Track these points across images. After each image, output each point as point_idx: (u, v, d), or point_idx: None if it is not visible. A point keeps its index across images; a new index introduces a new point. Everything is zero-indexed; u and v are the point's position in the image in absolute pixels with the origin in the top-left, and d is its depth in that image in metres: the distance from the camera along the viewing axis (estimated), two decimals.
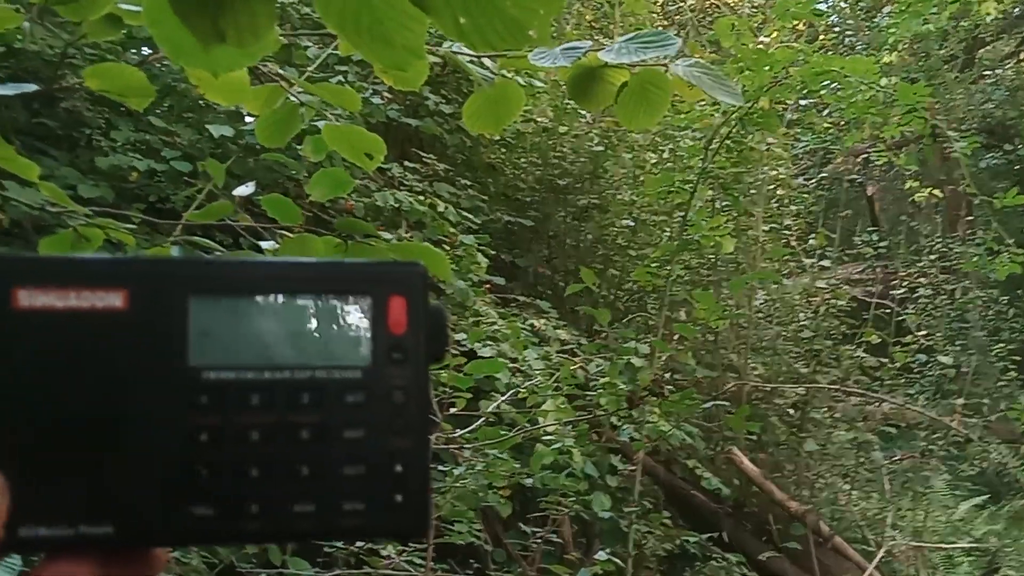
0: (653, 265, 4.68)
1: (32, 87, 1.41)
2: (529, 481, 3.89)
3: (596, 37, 8.26)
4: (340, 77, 5.24)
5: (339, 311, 0.53)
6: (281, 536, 0.54)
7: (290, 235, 1.80)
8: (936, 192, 6.09)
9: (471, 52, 1.44)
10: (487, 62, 1.70)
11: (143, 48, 4.79)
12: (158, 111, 5.42)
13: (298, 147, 3.17)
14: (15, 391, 0.49)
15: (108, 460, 0.49)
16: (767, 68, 4.34)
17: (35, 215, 1.86)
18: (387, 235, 1.80)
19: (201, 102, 5.20)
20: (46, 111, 5.24)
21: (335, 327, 0.53)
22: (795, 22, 7.32)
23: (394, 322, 0.54)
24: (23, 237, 4.41)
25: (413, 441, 0.53)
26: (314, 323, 0.53)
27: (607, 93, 1.64)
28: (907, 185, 6.64)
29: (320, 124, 1.83)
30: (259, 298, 0.53)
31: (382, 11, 0.82)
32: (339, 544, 3.86)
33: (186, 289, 0.52)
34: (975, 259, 6.03)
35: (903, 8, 7.58)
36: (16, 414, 0.49)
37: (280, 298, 0.53)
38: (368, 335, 0.53)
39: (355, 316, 0.53)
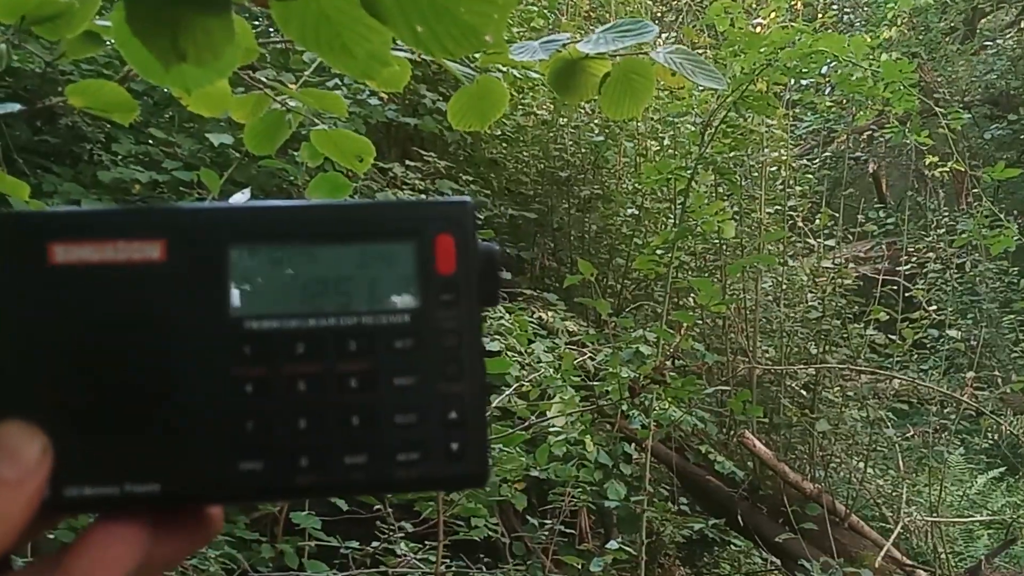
0: (656, 253, 4.68)
1: (16, 107, 1.43)
2: (539, 473, 3.91)
3: (592, 27, 8.23)
4: (337, 80, 5.25)
5: (385, 253, 0.51)
6: (333, 489, 0.52)
7: None
8: (957, 166, 6.07)
9: None
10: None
11: None
12: (159, 122, 5.45)
13: (295, 152, 3.19)
14: (54, 348, 0.48)
15: (151, 416, 0.48)
16: (761, 50, 4.34)
17: None
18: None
19: None
20: (48, 128, 5.28)
21: (381, 270, 0.51)
22: (792, 2, 7.32)
23: (442, 262, 0.51)
24: None
25: (467, 387, 0.50)
26: (359, 266, 0.51)
27: (590, 84, 1.65)
28: (927, 161, 6.62)
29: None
30: (301, 243, 0.51)
31: (340, 24, 0.84)
32: (355, 544, 3.89)
33: (225, 237, 0.50)
34: (964, 235, 6.01)
35: None
36: (56, 372, 0.48)
37: (323, 243, 0.51)
38: (416, 277, 0.51)
39: (401, 257, 0.51)
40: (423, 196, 5.58)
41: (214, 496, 0.50)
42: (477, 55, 1.79)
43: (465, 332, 0.51)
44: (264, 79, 1.89)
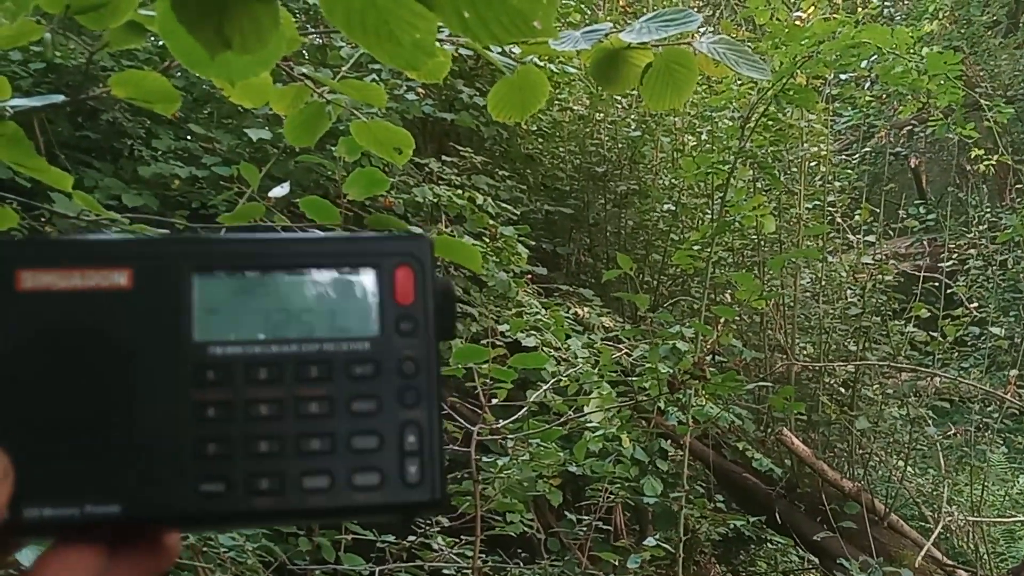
0: (694, 248, 4.65)
1: (60, 98, 1.43)
2: (576, 469, 3.89)
3: (630, 22, 8.17)
4: (374, 76, 5.26)
5: (345, 284, 0.53)
6: (294, 513, 0.52)
7: None
8: (1003, 160, 5.95)
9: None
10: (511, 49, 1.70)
11: None
12: (198, 118, 5.49)
13: (332, 148, 3.18)
14: (20, 371, 0.48)
15: (114, 439, 0.49)
16: (802, 43, 4.28)
17: (80, 226, 1.90)
18: (416, 230, 1.81)
19: (240, 108, 5.27)
20: (89, 124, 5.33)
21: (342, 299, 0.53)
22: None
23: (401, 292, 0.53)
24: None
25: (425, 412, 0.52)
26: (320, 296, 0.52)
27: (632, 75, 1.63)
28: (971, 155, 6.47)
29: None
30: (264, 273, 0.52)
31: (387, 11, 0.83)
32: (391, 539, 3.89)
33: (190, 266, 0.51)
34: (1008, 231, 5.91)
35: None
36: (22, 393, 0.48)
37: (285, 273, 0.53)
38: (375, 306, 0.53)
39: (362, 288, 0.53)
40: (459, 191, 5.57)
41: (175, 517, 0.50)
42: (516, 46, 1.78)
43: (423, 360, 0.52)
44: (296, 74, 1.88)
